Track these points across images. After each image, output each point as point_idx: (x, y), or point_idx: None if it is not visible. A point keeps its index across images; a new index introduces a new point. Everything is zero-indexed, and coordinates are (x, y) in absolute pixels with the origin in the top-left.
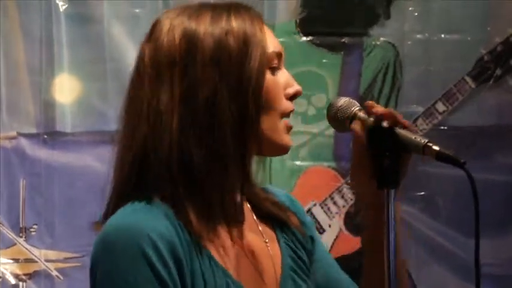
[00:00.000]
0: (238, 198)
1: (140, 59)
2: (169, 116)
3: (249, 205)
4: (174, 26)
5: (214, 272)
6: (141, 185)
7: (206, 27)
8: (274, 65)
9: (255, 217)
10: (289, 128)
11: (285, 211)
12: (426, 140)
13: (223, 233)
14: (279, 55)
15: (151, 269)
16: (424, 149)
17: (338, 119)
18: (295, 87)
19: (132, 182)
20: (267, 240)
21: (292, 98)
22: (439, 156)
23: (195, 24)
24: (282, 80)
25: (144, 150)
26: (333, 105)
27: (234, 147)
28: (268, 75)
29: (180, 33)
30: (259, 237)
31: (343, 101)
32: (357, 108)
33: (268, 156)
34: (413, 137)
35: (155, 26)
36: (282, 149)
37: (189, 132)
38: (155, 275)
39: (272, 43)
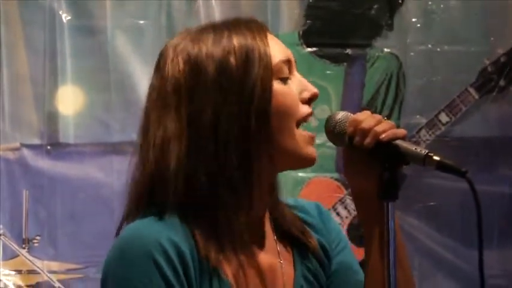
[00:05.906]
0: (257, 217)
1: (149, 91)
2: (176, 142)
3: (272, 224)
4: (177, 53)
5: None
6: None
7: (208, 50)
8: (284, 76)
9: (275, 237)
10: (311, 139)
11: (307, 234)
12: (427, 151)
13: (233, 253)
14: (287, 62)
15: (161, 275)
16: (425, 160)
17: (336, 133)
18: (311, 90)
19: (146, 200)
20: (281, 261)
21: (309, 101)
22: (440, 166)
23: (197, 47)
24: (295, 87)
25: (154, 176)
26: (331, 119)
27: (240, 169)
28: (278, 86)
29: (184, 59)
30: (274, 257)
31: (341, 115)
32: None
33: (295, 169)
34: (413, 148)
35: (161, 56)
36: (307, 161)
37: (195, 156)
38: (165, 281)
39: (279, 52)
